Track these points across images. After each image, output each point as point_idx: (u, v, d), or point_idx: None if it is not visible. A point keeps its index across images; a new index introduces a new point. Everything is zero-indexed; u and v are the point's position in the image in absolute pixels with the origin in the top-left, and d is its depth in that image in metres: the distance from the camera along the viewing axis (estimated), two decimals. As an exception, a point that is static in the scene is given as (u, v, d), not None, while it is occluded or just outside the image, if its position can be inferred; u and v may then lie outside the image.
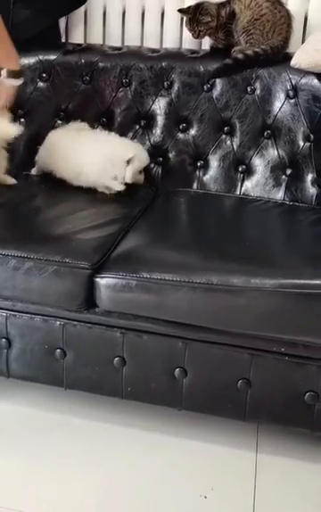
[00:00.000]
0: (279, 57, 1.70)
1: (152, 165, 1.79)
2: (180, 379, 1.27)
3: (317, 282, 1.15)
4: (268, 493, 1.22)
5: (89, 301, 1.26)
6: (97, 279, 1.24)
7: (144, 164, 1.67)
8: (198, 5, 1.77)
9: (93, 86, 1.80)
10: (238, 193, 1.73)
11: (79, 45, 1.90)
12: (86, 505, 1.18)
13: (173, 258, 1.29)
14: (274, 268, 1.22)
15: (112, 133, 1.71)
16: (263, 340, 1.21)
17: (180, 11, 1.80)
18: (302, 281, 1.16)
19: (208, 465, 1.28)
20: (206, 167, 1.76)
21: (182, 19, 1.85)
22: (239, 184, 1.73)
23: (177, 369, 1.27)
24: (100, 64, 1.81)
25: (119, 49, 1.86)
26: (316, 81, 1.65)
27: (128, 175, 1.60)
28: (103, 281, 1.24)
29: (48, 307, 1.30)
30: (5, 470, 1.25)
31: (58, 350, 1.31)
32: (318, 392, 1.21)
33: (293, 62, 1.61)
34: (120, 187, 1.61)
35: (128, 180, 1.61)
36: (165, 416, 1.38)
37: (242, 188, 1.73)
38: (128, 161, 1.60)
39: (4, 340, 1.35)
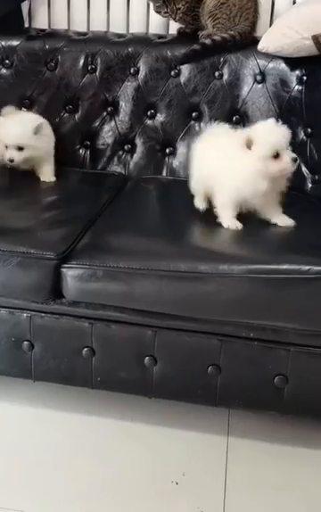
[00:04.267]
0: (247, 42, 1.68)
1: (121, 152, 1.77)
2: (150, 367, 1.27)
3: (285, 267, 1.15)
4: (239, 477, 1.23)
5: (56, 291, 1.24)
6: (63, 270, 1.23)
7: None
8: None
9: (58, 73, 1.77)
10: (208, 179, 1.72)
11: (43, 30, 1.86)
12: (56, 493, 1.18)
13: (141, 246, 1.28)
14: (242, 253, 1.21)
15: None
16: (232, 326, 1.21)
17: None
18: (270, 266, 1.16)
19: (179, 451, 1.29)
20: (175, 153, 1.74)
21: (148, 3, 1.82)
22: (208, 170, 1.72)
23: (147, 358, 1.26)
24: (65, 50, 1.77)
25: (85, 34, 1.83)
26: (283, 65, 1.65)
27: None
28: (70, 271, 1.22)
29: (14, 299, 1.28)
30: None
31: (25, 343, 1.30)
32: (287, 375, 1.22)
33: (260, 47, 1.60)
34: None
35: None
36: (136, 404, 1.38)
37: (212, 174, 1.72)
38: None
39: (-30, 333, 1.33)
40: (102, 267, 1.21)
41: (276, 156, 1.23)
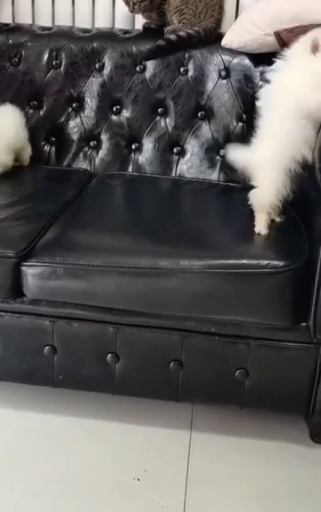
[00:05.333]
0: (211, 39, 1.68)
1: (87, 148, 1.76)
2: (112, 364, 1.27)
3: (244, 261, 1.15)
4: (201, 471, 1.23)
5: (16, 290, 1.23)
6: (23, 268, 1.21)
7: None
8: None
9: (22, 68, 1.75)
10: (173, 174, 1.72)
11: (7, 24, 1.83)
12: (18, 492, 1.17)
13: (102, 242, 1.27)
14: (203, 249, 1.22)
15: None
16: (193, 321, 1.22)
17: None
18: (230, 261, 1.16)
19: (142, 447, 1.29)
20: (141, 149, 1.74)
21: (114, -1, 1.81)
22: (174, 165, 1.72)
23: (109, 355, 1.26)
24: (29, 45, 1.75)
25: (49, 29, 1.80)
26: (247, 61, 1.65)
27: None
28: (30, 269, 1.21)
29: (-27, 297, 1.26)
30: None
31: (-14, 342, 1.29)
32: (247, 368, 1.23)
33: (224, 42, 1.60)
34: None
35: None
36: (99, 401, 1.37)
37: (178, 170, 1.72)
38: None
39: None
40: (62, 264, 1.20)
41: None
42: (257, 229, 1.23)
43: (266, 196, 1.23)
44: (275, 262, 1.13)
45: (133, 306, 1.22)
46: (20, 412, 1.37)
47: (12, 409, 1.37)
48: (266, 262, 1.13)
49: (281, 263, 1.13)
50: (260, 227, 1.23)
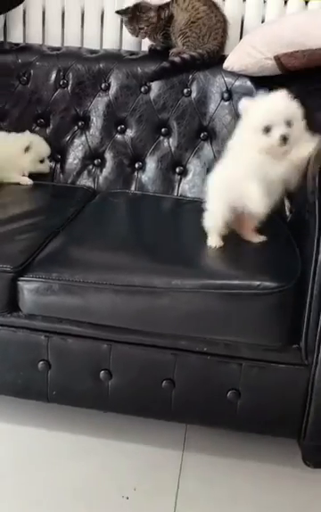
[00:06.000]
0: (215, 61, 1.72)
1: (91, 166, 1.79)
2: (105, 381, 1.27)
3: (236, 282, 1.16)
4: (191, 492, 1.22)
5: (12, 304, 1.25)
6: (20, 283, 1.23)
7: (44, 153, 1.73)
8: (137, 4, 1.78)
9: (30, 87, 1.80)
10: (175, 194, 1.74)
11: (17, 44, 1.88)
12: (6, 508, 1.17)
13: (98, 259, 1.29)
14: (196, 268, 1.23)
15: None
16: (186, 340, 1.22)
17: (118, 12, 1.81)
18: (222, 281, 1.17)
19: (133, 465, 1.29)
20: (144, 168, 1.77)
21: (121, 20, 1.86)
22: (176, 185, 1.75)
23: (102, 371, 1.26)
24: (37, 64, 1.80)
25: (58, 49, 1.86)
26: (249, 83, 1.68)
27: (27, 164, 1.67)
28: (26, 284, 1.23)
29: (-31, 311, 1.28)
30: None
31: (-19, 355, 1.30)
32: (239, 389, 1.22)
33: (226, 65, 1.63)
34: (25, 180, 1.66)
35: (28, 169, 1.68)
36: (91, 418, 1.37)
37: (180, 189, 1.74)
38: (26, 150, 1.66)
39: None
40: (57, 280, 1.21)
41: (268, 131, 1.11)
42: (209, 243, 1.28)
43: (209, 219, 1.29)
44: (267, 283, 1.14)
45: (126, 323, 1.23)
46: (12, 426, 1.37)
47: (4, 423, 1.38)
48: (257, 283, 1.14)
49: (273, 284, 1.13)
50: (211, 242, 1.28)
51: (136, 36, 1.80)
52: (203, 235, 1.47)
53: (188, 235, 1.50)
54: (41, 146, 1.73)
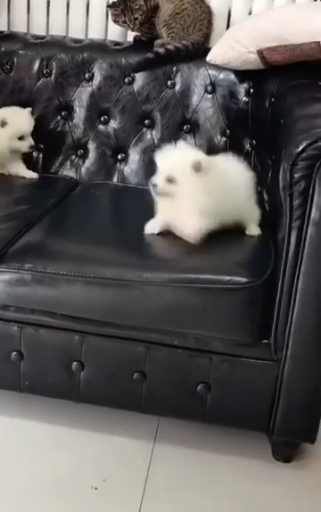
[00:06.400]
0: (199, 53, 1.70)
1: (73, 157, 1.78)
2: (77, 372, 1.28)
3: (206, 276, 1.16)
4: (159, 484, 1.23)
5: (-16, 294, 1.25)
6: (-7, 273, 1.23)
7: (23, 129, 1.61)
8: None
9: (13, 76, 1.78)
10: (157, 186, 1.73)
11: (1, 32, 1.86)
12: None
13: (72, 251, 1.29)
14: (168, 262, 1.23)
15: None
16: (157, 333, 1.23)
17: (109, 6, 1.78)
18: (193, 275, 1.17)
19: (104, 456, 1.29)
20: (126, 160, 1.76)
21: (107, 11, 1.84)
22: (159, 177, 1.74)
23: (75, 363, 1.27)
24: (20, 53, 1.78)
25: (42, 38, 1.83)
26: (233, 77, 1.67)
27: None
28: (-1, 275, 1.23)
29: None
30: None
31: None
32: (209, 383, 1.23)
33: (209, 58, 1.62)
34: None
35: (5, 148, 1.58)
36: (64, 409, 1.38)
37: (162, 182, 1.73)
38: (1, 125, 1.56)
39: None
40: (30, 271, 1.21)
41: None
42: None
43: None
44: (237, 278, 1.14)
45: (98, 316, 1.23)
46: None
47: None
48: (228, 278, 1.14)
49: (243, 279, 1.14)
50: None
51: (132, 29, 1.77)
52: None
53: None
54: (20, 121, 1.60)
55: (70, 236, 1.37)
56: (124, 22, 1.76)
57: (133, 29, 1.78)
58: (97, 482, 1.23)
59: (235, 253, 1.26)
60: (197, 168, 1.21)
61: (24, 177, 1.67)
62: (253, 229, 1.33)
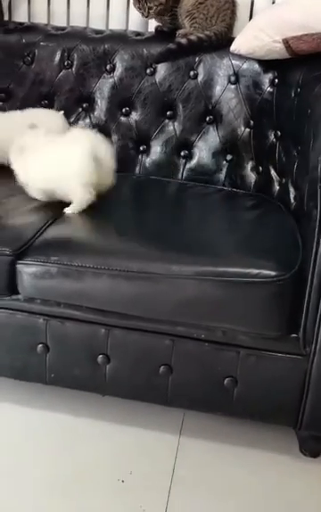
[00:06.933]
0: (222, 43, 1.67)
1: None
2: (103, 365, 1.27)
3: (235, 270, 1.15)
4: (185, 476, 1.23)
5: (11, 287, 1.25)
6: (19, 266, 1.23)
7: (56, 130, 1.56)
8: None
9: (34, 67, 1.77)
10: (180, 178, 1.72)
11: (22, 23, 1.85)
12: (1, 491, 1.19)
13: (97, 244, 1.28)
14: (196, 254, 1.21)
15: None
16: (184, 326, 1.22)
17: None
18: (220, 268, 1.16)
19: (130, 449, 1.30)
20: (148, 151, 1.74)
21: (128, 1, 1.82)
22: (181, 169, 1.73)
23: (100, 356, 1.27)
24: (41, 44, 1.77)
25: (63, 29, 1.82)
26: (257, 66, 1.64)
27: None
28: (25, 268, 1.23)
29: (-32, 294, 1.28)
30: None
31: (-20, 338, 1.31)
32: (236, 377, 1.22)
33: (233, 48, 1.59)
34: None
35: None
36: (90, 401, 1.38)
37: (184, 173, 1.72)
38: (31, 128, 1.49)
39: None
40: (56, 264, 1.21)
41: None
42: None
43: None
44: (266, 272, 1.12)
45: (123, 308, 1.22)
46: (13, 406, 1.38)
47: (3, 403, 1.39)
48: (256, 271, 1.12)
49: (272, 273, 1.12)
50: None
51: (146, 16, 1.75)
52: (205, 220, 1.46)
53: (191, 219, 1.49)
54: (52, 123, 1.59)
55: (94, 229, 1.36)
56: (139, 8, 1.74)
57: (146, 17, 1.75)
58: (124, 474, 1.23)
59: (263, 245, 1.25)
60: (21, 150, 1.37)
61: None
62: (71, 207, 1.37)
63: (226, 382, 1.23)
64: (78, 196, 1.37)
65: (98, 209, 1.49)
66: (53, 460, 1.26)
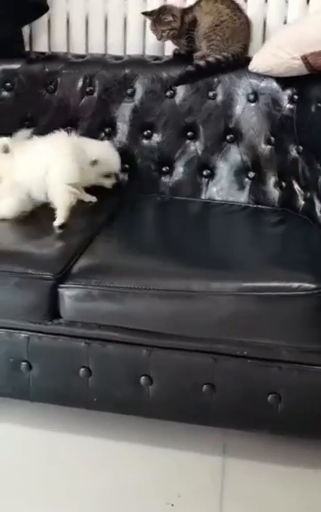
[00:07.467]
0: (239, 63, 1.71)
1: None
2: (146, 387, 1.28)
3: (275, 284, 1.16)
4: (235, 498, 1.22)
5: (53, 311, 1.26)
6: (60, 290, 1.25)
7: (112, 167, 1.64)
8: (161, 7, 1.79)
9: (57, 95, 1.81)
10: (203, 197, 1.74)
11: (43, 53, 1.90)
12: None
13: (135, 265, 1.30)
14: (233, 271, 1.23)
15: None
16: (225, 343, 1.22)
17: (144, 13, 1.82)
18: (260, 284, 1.17)
19: (175, 471, 1.28)
20: (171, 172, 1.77)
21: (145, 24, 1.87)
22: (204, 188, 1.75)
23: (143, 377, 1.27)
24: (64, 72, 1.81)
25: (83, 57, 1.87)
26: (275, 84, 1.67)
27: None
28: (66, 291, 1.24)
29: (12, 319, 1.30)
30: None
31: (23, 363, 1.31)
32: (280, 393, 1.22)
33: (251, 67, 1.63)
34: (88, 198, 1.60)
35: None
36: (132, 424, 1.38)
37: (207, 193, 1.74)
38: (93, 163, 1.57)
39: (-32, 354, 1.34)
40: (97, 286, 1.23)
41: None
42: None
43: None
44: (306, 285, 1.13)
45: (165, 328, 1.23)
46: (54, 433, 1.38)
47: (46, 430, 1.39)
48: (297, 285, 1.13)
49: (312, 285, 1.13)
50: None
51: (159, 39, 1.80)
52: (234, 237, 1.48)
53: (219, 237, 1.51)
54: (111, 162, 1.63)
55: (129, 250, 1.38)
56: (154, 30, 1.79)
57: (159, 39, 1.80)
58: (173, 498, 1.22)
59: (296, 258, 1.26)
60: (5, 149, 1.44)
61: (83, 201, 1.60)
62: (59, 217, 1.40)
63: (269, 398, 1.23)
64: (58, 199, 1.42)
65: (127, 230, 1.53)
66: (99, 486, 1.25)
